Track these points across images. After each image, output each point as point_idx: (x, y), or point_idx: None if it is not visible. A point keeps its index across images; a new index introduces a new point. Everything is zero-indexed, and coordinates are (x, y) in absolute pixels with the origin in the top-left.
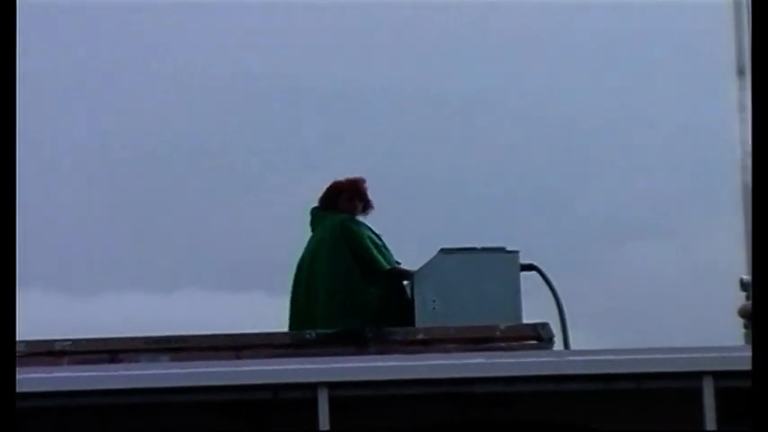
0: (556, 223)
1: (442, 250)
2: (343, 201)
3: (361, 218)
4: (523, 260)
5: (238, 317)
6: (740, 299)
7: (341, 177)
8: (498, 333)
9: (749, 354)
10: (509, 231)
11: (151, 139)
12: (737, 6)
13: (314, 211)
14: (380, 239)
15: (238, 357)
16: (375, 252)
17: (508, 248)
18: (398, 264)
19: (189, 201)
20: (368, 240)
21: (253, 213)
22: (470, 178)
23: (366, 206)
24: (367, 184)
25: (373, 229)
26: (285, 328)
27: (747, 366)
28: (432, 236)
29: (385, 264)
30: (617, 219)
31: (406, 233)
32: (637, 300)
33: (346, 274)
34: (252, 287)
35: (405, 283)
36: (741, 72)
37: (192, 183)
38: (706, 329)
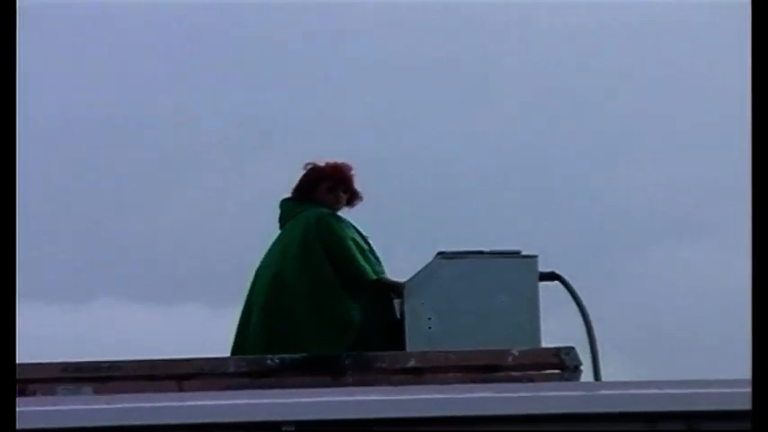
0: (577, 223)
1: (441, 254)
2: (323, 191)
3: (345, 213)
4: (543, 267)
5: (172, 335)
6: None
7: (319, 161)
8: (511, 359)
9: None
10: (522, 232)
11: (69, 133)
12: None
13: (285, 204)
14: (368, 243)
15: (181, 389)
16: (359, 257)
17: (523, 252)
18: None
19: (105, 196)
20: (350, 242)
21: (185, 212)
22: (474, 170)
23: (352, 198)
24: (354, 171)
25: (360, 229)
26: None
27: None
28: (427, 237)
29: (370, 272)
30: (649, 214)
31: (394, 234)
32: (683, 316)
33: (322, 284)
34: (188, 298)
35: (393, 298)
36: None
37: (111, 176)
38: None
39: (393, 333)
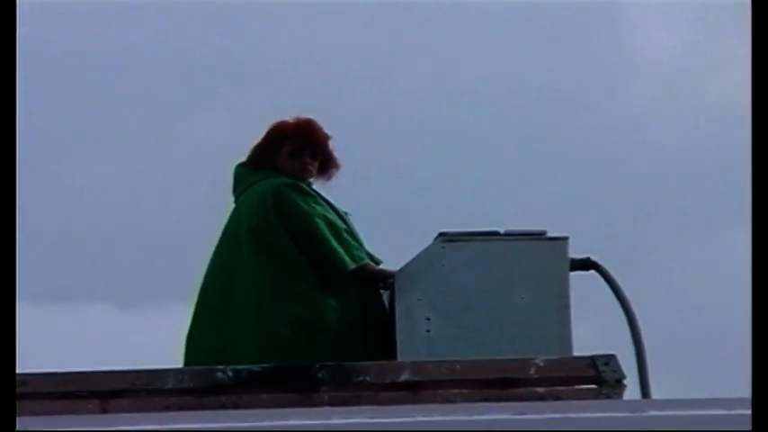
0: (616, 196)
1: (442, 236)
2: (284, 157)
3: (318, 184)
4: (575, 253)
5: (76, 340)
6: None
7: (287, 117)
8: (534, 371)
9: None
10: (542, 210)
11: None
12: None
13: (239, 172)
14: (346, 220)
15: (105, 410)
16: (332, 239)
17: (550, 233)
18: (374, 261)
19: None
20: (319, 220)
21: (88, 183)
22: (484, 129)
23: (326, 165)
24: (327, 131)
25: (334, 204)
26: (166, 360)
27: None
28: (426, 215)
29: (347, 259)
30: (708, 187)
31: (383, 210)
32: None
33: (284, 274)
34: (91, 297)
35: (381, 290)
36: None
37: None
38: None
39: (381, 337)
